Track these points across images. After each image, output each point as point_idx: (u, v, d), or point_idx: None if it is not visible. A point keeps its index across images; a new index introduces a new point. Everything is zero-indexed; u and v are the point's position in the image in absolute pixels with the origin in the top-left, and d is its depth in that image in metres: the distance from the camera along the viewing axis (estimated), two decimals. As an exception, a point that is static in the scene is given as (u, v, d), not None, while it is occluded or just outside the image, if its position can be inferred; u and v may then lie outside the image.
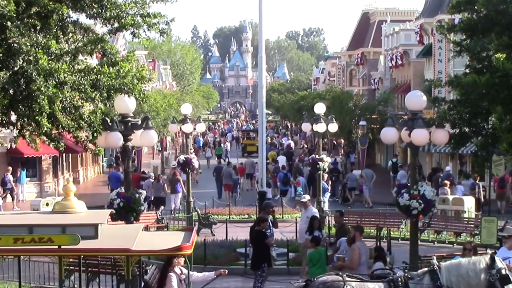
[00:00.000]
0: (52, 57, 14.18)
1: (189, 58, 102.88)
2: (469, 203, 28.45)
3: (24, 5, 14.30)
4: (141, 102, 15.61)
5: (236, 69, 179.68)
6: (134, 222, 15.44)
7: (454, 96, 25.01)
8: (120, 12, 14.91)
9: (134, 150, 35.29)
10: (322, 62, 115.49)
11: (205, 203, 31.77)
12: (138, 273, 15.64)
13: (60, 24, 14.97)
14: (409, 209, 15.49)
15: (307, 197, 21.54)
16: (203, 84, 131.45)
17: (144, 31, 15.13)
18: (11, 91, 13.95)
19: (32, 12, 14.41)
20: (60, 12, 14.50)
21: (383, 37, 63.33)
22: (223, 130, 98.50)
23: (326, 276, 11.80)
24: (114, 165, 49.22)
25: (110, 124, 14.88)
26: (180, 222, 28.08)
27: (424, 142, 16.10)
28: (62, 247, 10.70)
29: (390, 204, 33.07)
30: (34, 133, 15.29)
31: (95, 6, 14.88)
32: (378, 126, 47.05)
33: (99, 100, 14.65)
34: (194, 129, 30.72)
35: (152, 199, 32.49)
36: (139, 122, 15.44)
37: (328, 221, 26.66)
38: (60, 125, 14.45)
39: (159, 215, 27.02)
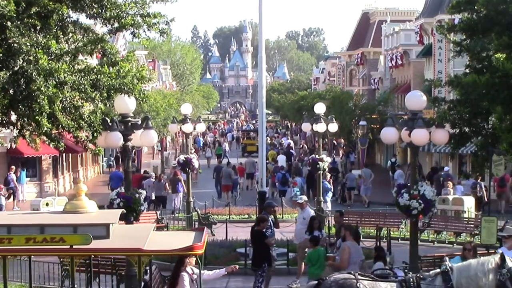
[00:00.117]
0: (52, 57, 14.19)
1: (189, 58, 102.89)
2: (469, 203, 28.46)
3: (24, 5, 14.31)
4: (141, 102, 15.62)
5: (236, 69, 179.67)
6: (134, 222, 15.44)
7: (454, 96, 24.99)
8: (120, 12, 14.92)
9: (134, 150, 35.32)
10: (322, 62, 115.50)
11: (205, 203, 31.77)
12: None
13: (60, 24, 14.98)
14: (409, 209, 15.50)
15: (303, 198, 21.53)
16: (203, 84, 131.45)
17: (144, 31, 15.14)
18: (11, 91, 13.95)
19: (32, 12, 14.41)
20: (60, 12, 14.51)
21: (383, 37, 63.34)
22: (223, 130, 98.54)
23: (338, 275, 11.81)
24: (114, 165, 49.33)
25: (110, 124, 14.88)
26: (180, 222, 28.08)
27: (424, 142, 16.11)
28: (74, 247, 10.69)
29: (389, 204, 33.19)
30: (34, 133, 15.29)
31: (95, 6, 14.88)
32: (378, 126, 47.05)
33: (99, 100, 14.66)
34: (194, 129, 30.74)
35: (153, 198, 32.56)
36: (139, 122, 15.44)
37: (328, 221, 26.66)
38: (60, 125, 14.46)
39: (159, 215, 27.02)
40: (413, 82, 51.23)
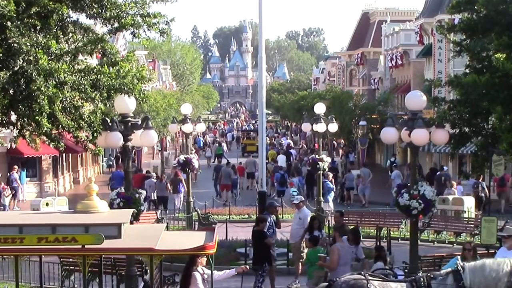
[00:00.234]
0: (52, 57, 14.19)
1: (189, 58, 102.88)
2: (469, 203, 28.46)
3: (24, 5, 14.31)
4: (141, 102, 15.61)
5: (236, 69, 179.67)
6: (134, 222, 15.44)
7: (454, 96, 24.99)
8: (120, 12, 14.92)
9: (134, 150, 35.31)
10: (322, 62, 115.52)
11: (205, 203, 31.76)
12: (138, 273, 15.70)
13: (60, 24, 14.98)
14: (409, 209, 15.49)
15: (299, 198, 21.52)
16: (203, 84, 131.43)
17: (144, 31, 15.14)
18: (11, 91, 13.96)
19: (32, 12, 14.42)
20: (60, 12, 14.51)
21: (383, 37, 63.34)
22: (223, 130, 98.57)
23: (349, 276, 11.81)
24: (114, 165, 49.29)
25: (110, 124, 14.88)
26: (180, 222, 28.07)
27: (424, 142, 16.10)
28: (86, 246, 10.70)
29: (387, 204, 33.20)
30: (34, 133, 15.29)
31: (95, 6, 14.88)
32: (378, 126, 47.05)
33: (99, 100, 14.66)
34: (194, 129, 30.73)
35: (153, 198, 32.55)
36: (139, 122, 15.44)
37: (328, 221, 26.66)
38: (60, 125, 14.46)
39: (159, 215, 27.01)
40: (413, 82, 51.24)
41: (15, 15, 13.69)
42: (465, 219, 26.69)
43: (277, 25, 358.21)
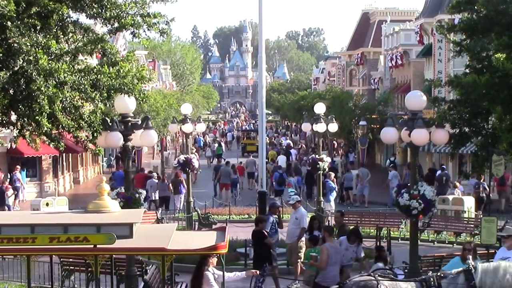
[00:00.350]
0: (52, 57, 14.19)
1: (189, 58, 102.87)
2: (469, 203, 28.46)
3: (24, 5, 14.31)
4: (141, 102, 15.61)
5: (236, 69, 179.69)
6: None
7: (454, 96, 24.98)
8: (120, 12, 14.92)
9: (134, 150, 35.30)
10: (322, 62, 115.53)
11: (205, 203, 31.76)
12: (138, 273, 15.69)
13: (60, 24, 14.98)
14: (409, 209, 15.49)
15: (295, 199, 21.53)
16: (203, 84, 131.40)
17: (144, 31, 15.14)
18: (11, 91, 13.96)
19: (32, 12, 14.42)
20: (60, 12, 14.51)
21: (383, 37, 63.35)
22: (224, 130, 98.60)
23: (359, 277, 11.81)
24: (115, 165, 49.27)
25: (110, 124, 14.88)
26: (180, 222, 28.07)
27: (424, 142, 16.11)
28: (98, 246, 10.70)
29: (385, 204, 33.26)
30: (34, 133, 15.30)
31: (95, 6, 14.88)
32: (378, 126, 47.07)
33: (99, 100, 14.66)
34: (194, 129, 30.72)
35: (155, 198, 32.51)
36: (139, 122, 15.44)
37: (328, 221, 26.65)
38: (60, 125, 14.46)
39: (159, 215, 27.00)
40: (413, 82, 51.24)
41: (15, 15, 13.69)
42: (465, 219, 26.69)
43: (277, 25, 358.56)
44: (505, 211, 32.30)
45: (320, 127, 27.98)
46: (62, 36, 15.08)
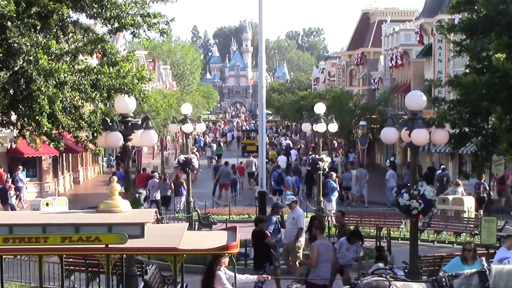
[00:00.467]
0: (52, 57, 14.18)
1: (189, 58, 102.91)
2: (469, 203, 28.46)
3: (24, 5, 14.30)
4: (141, 102, 15.62)
5: (236, 69, 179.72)
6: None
7: (454, 96, 24.98)
8: (120, 12, 14.91)
9: (134, 150, 35.29)
10: (322, 62, 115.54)
11: (205, 203, 31.76)
12: (138, 273, 15.69)
13: (60, 24, 14.97)
14: (409, 209, 15.49)
15: (291, 199, 21.55)
16: (203, 84, 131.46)
17: (144, 31, 15.13)
18: (11, 91, 13.95)
19: (32, 12, 14.41)
20: (60, 12, 14.50)
21: (383, 37, 63.35)
22: (224, 130, 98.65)
23: (371, 278, 11.82)
24: (115, 165, 49.22)
25: (110, 124, 14.89)
26: (180, 222, 28.06)
27: (424, 142, 16.11)
28: (110, 246, 10.69)
29: (385, 204, 33.29)
30: (34, 133, 15.29)
31: (95, 6, 14.87)
32: (378, 126, 47.07)
33: (99, 100, 14.66)
34: (195, 129, 30.71)
35: (157, 198, 32.49)
36: (139, 122, 15.45)
37: (328, 221, 26.66)
38: (60, 125, 14.46)
39: (158, 215, 26.99)
40: (413, 82, 51.23)
41: (15, 15, 13.68)
42: (465, 219, 26.69)
43: (277, 25, 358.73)
44: (505, 210, 32.31)
45: (320, 127, 27.99)
46: (62, 36, 15.07)
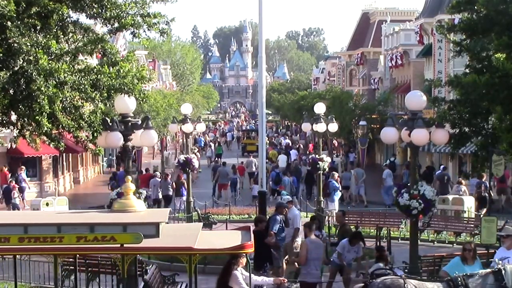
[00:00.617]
0: (52, 57, 14.19)
1: (189, 58, 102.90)
2: (469, 203, 28.46)
3: (24, 5, 14.30)
4: (141, 102, 15.62)
5: (236, 69, 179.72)
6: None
7: (454, 96, 24.98)
8: (120, 12, 14.92)
9: (134, 150, 35.29)
10: (322, 62, 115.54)
11: (205, 203, 31.76)
12: (138, 273, 15.68)
13: (60, 24, 14.98)
14: (409, 209, 15.49)
15: (286, 199, 21.58)
16: (203, 84, 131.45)
17: (144, 31, 15.15)
18: (11, 91, 13.96)
19: (32, 12, 14.41)
20: (60, 12, 14.51)
21: (383, 37, 63.35)
22: (223, 130, 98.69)
23: (386, 276, 11.84)
24: (115, 165, 49.22)
25: (110, 124, 14.89)
26: (180, 222, 28.06)
27: (424, 142, 16.11)
28: (125, 245, 10.67)
29: (384, 204, 33.32)
30: (34, 133, 15.30)
31: (95, 6, 14.88)
32: (378, 126, 47.06)
33: (99, 100, 14.66)
34: (195, 129, 30.71)
35: (159, 197, 32.48)
36: (139, 122, 15.45)
37: (328, 221, 26.66)
38: (60, 125, 14.46)
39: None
40: (413, 82, 51.23)
41: (15, 15, 13.69)
42: (465, 219, 26.69)
43: (277, 25, 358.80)
44: (506, 210, 32.34)
45: (320, 127, 28.00)
46: (62, 36, 15.08)
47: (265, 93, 27.09)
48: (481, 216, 25.09)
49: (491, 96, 20.30)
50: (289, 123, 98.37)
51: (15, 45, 13.77)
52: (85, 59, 15.15)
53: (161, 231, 11.18)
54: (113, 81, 14.45)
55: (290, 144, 62.57)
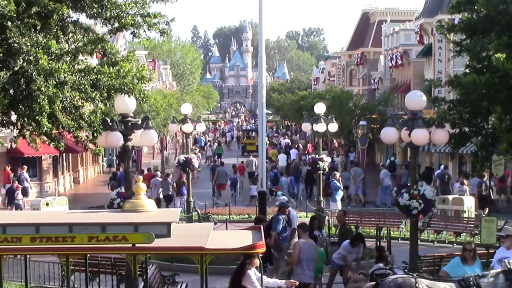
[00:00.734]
0: (52, 57, 14.19)
1: (189, 58, 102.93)
2: (469, 203, 28.46)
3: (24, 5, 14.30)
4: (141, 102, 15.62)
5: (236, 69, 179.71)
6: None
7: (454, 96, 24.98)
8: (120, 12, 14.92)
9: (134, 150, 35.31)
10: (322, 62, 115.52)
11: (205, 203, 31.77)
12: (138, 273, 15.68)
13: (60, 24, 14.98)
14: (409, 209, 15.49)
15: (281, 200, 21.56)
16: (203, 84, 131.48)
17: (144, 31, 15.15)
18: (11, 91, 13.96)
19: (32, 12, 14.41)
20: (60, 12, 14.51)
21: (383, 37, 63.35)
22: (223, 129, 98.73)
23: (397, 275, 11.84)
24: (115, 165, 49.17)
25: (110, 124, 14.89)
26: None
27: (424, 142, 16.11)
28: (136, 245, 10.67)
29: (384, 204, 33.33)
30: (34, 133, 15.30)
31: (95, 6, 14.88)
32: (378, 126, 47.05)
33: (99, 100, 14.67)
34: (195, 129, 30.72)
35: (160, 197, 32.50)
36: (139, 122, 15.45)
37: (328, 221, 26.66)
38: (60, 125, 14.47)
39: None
40: (413, 82, 51.24)
41: (15, 15, 13.69)
42: (465, 219, 26.69)
43: (277, 25, 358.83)
44: (505, 209, 32.35)
45: (320, 127, 28.01)
46: (62, 36, 15.08)
47: (265, 93, 27.09)
48: (483, 216, 25.09)
49: (491, 96, 20.30)
50: (289, 123, 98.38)
51: (15, 45, 13.77)
52: (85, 59, 15.15)
53: (172, 231, 11.17)
54: (113, 81, 14.45)
55: (290, 144, 62.55)
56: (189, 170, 27.73)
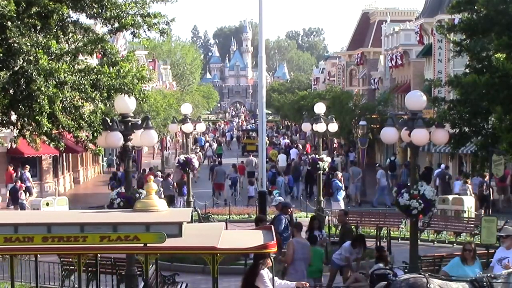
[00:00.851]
0: (52, 57, 14.19)
1: (189, 58, 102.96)
2: (469, 203, 28.47)
3: (24, 5, 14.30)
4: (141, 102, 15.63)
5: (236, 69, 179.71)
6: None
7: (454, 96, 24.98)
8: (120, 12, 14.92)
9: (134, 150, 35.31)
10: (322, 62, 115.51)
11: (205, 203, 31.78)
12: (138, 273, 15.69)
13: (60, 24, 14.98)
14: (409, 209, 15.49)
15: (278, 200, 21.54)
16: (203, 84, 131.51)
17: (144, 31, 15.15)
18: (11, 91, 13.96)
19: (32, 12, 14.41)
20: (60, 12, 14.51)
21: (383, 37, 63.34)
22: (223, 129, 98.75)
23: (408, 275, 11.85)
24: (115, 165, 49.15)
25: (110, 124, 14.90)
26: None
27: (424, 142, 16.11)
28: (148, 245, 10.67)
29: (384, 204, 33.36)
30: (34, 133, 15.30)
31: (95, 6, 14.88)
32: (378, 126, 47.04)
33: (99, 100, 14.67)
34: (195, 129, 30.73)
35: (162, 197, 32.52)
36: (139, 122, 15.46)
37: (328, 221, 26.66)
38: (60, 125, 14.47)
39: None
40: (413, 82, 51.23)
41: (15, 15, 13.69)
42: (465, 219, 26.69)
43: (277, 25, 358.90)
44: (505, 209, 32.35)
45: (320, 127, 28.02)
46: (62, 36, 15.08)
47: (265, 93, 27.10)
48: (482, 215, 25.09)
49: (491, 96, 20.30)
50: (289, 123, 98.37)
51: (15, 45, 13.77)
52: (85, 59, 15.15)
53: (183, 230, 11.18)
54: (113, 81, 14.45)
55: (290, 144, 62.56)
56: (189, 170, 27.73)
